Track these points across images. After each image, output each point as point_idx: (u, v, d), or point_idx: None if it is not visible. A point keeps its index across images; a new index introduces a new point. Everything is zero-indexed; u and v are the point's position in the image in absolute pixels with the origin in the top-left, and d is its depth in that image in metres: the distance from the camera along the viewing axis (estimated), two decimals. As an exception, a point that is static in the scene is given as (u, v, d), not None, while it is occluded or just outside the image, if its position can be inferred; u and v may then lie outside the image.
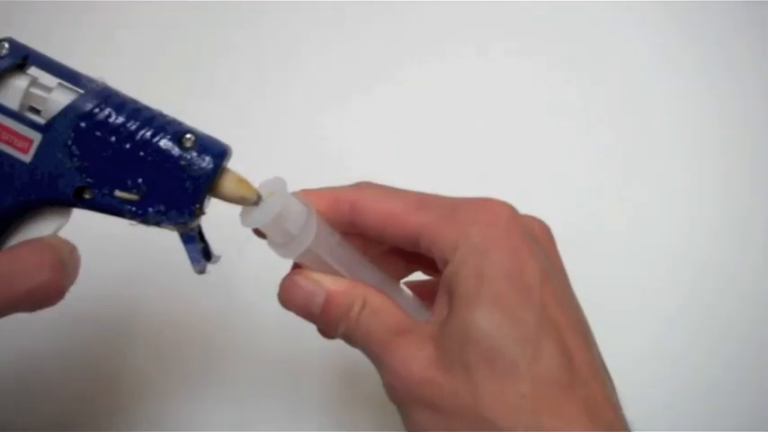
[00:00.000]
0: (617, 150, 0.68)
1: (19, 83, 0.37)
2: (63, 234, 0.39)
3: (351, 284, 0.40)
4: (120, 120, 0.37)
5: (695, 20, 0.72)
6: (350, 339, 0.40)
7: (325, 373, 0.58)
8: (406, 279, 0.45)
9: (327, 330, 0.41)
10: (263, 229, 0.39)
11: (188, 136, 0.38)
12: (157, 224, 0.39)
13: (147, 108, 0.38)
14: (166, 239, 0.41)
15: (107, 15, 0.72)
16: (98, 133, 0.37)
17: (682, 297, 0.63)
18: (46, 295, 0.37)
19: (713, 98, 0.70)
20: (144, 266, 0.60)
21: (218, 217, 0.40)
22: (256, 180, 0.40)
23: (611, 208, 0.66)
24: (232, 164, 0.39)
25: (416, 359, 0.37)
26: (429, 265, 0.41)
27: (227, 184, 0.39)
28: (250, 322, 0.59)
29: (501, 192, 0.41)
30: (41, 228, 0.39)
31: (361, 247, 0.42)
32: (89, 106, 0.37)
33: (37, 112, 0.38)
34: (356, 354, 0.40)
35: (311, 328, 0.42)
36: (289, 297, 0.41)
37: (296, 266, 0.42)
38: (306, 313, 0.41)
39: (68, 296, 0.38)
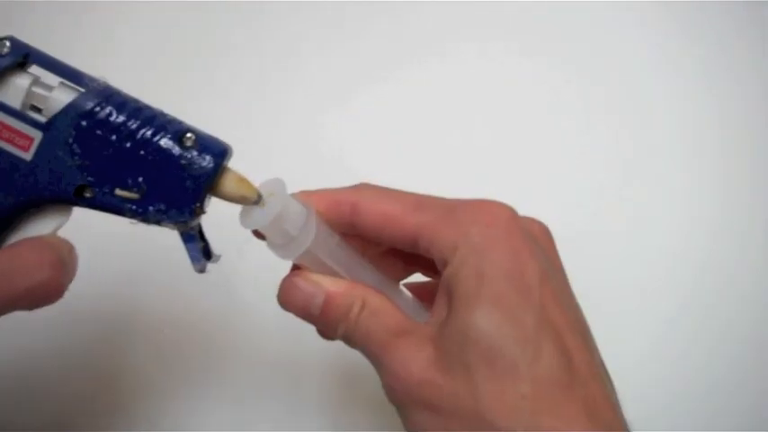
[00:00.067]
0: (617, 150, 0.68)
1: (21, 81, 0.37)
2: (63, 233, 0.39)
3: (350, 286, 0.40)
4: (121, 119, 0.37)
5: (695, 20, 0.72)
6: (349, 340, 0.40)
7: (324, 374, 0.58)
8: (405, 280, 0.45)
9: (327, 331, 0.41)
10: (263, 231, 0.39)
11: (188, 135, 0.38)
12: (158, 223, 0.39)
13: (147, 107, 0.38)
14: (166, 238, 0.41)
15: (107, 15, 0.72)
16: (99, 132, 0.37)
17: (682, 297, 0.63)
18: (45, 293, 0.37)
19: (713, 98, 0.70)
20: (144, 265, 0.60)
21: (218, 216, 0.40)
22: (256, 180, 0.40)
23: (611, 208, 0.66)
24: (232, 163, 0.39)
25: (416, 360, 0.37)
26: (428, 266, 0.41)
27: (227, 184, 0.39)
28: (250, 322, 0.59)
29: (501, 192, 0.41)
30: (42, 226, 0.39)
31: (361, 249, 0.42)
32: (90, 105, 0.37)
33: (38, 110, 0.38)
34: (356, 354, 0.40)
35: (311, 328, 0.42)
36: (288, 298, 0.41)
37: (295, 268, 0.42)
38: (305, 314, 0.41)
39: (68, 295, 0.38)
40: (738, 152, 0.68)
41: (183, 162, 0.38)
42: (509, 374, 0.35)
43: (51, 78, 0.38)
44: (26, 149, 0.37)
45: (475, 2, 0.73)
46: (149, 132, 0.38)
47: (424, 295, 0.44)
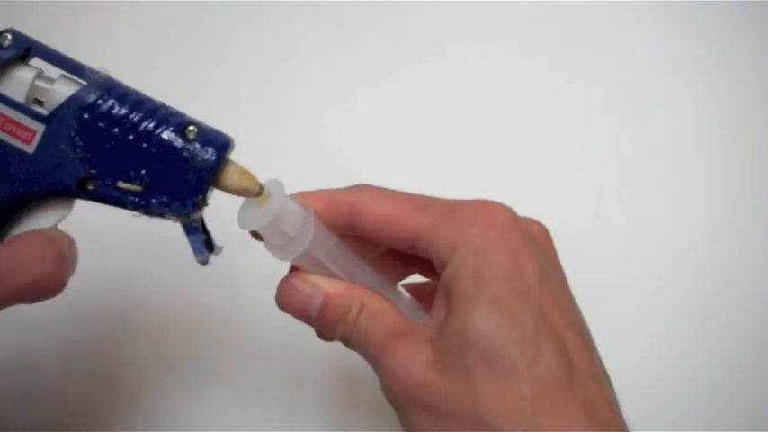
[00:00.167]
0: (617, 150, 0.68)
1: (25, 75, 0.38)
2: (64, 228, 0.39)
3: (348, 287, 0.40)
4: (123, 111, 0.38)
5: (695, 20, 0.72)
6: (348, 342, 0.40)
7: (324, 374, 0.58)
8: (403, 281, 0.45)
9: (325, 333, 0.41)
10: (261, 232, 0.39)
11: (191, 128, 0.38)
12: (160, 215, 0.39)
13: (149, 100, 0.38)
14: (167, 234, 0.41)
15: (107, 15, 0.72)
16: (101, 124, 0.37)
17: (682, 297, 0.63)
18: (46, 287, 0.38)
19: (713, 98, 0.70)
20: (144, 262, 0.60)
21: (220, 208, 0.40)
22: (256, 178, 0.40)
23: (611, 208, 0.66)
24: (233, 158, 0.39)
25: (415, 361, 0.37)
26: (427, 267, 0.41)
27: (229, 176, 0.39)
28: (250, 321, 0.59)
29: (501, 192, 0.41)
30: (44, 219, 0.39)
31: (359, 250, 0.42)
32: (92, 97, 0.37)
33: (40, 103, 0.38)
34: (355, 355, 0.40)
35: (311, 328, 0.42)
36: (286, 300, 0.41)
37: (293, 269, 0.42)
38: (303, 316, 0.41)
39: (68, 291, 0.38)
40: (738, 152, 0.68)
41: (185, 154, 0.38)
42: (508, 375, 0.35)
43: (52, 71, 0.38)
44: (28, 142, 0.37)
45: (475, 2, 0.73)
46: (152, 125, 0.38)
47: (423, 296, 0.44)
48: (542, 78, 0.71)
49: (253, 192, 0.39)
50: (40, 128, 0.37)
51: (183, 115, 0.39)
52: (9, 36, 0.37)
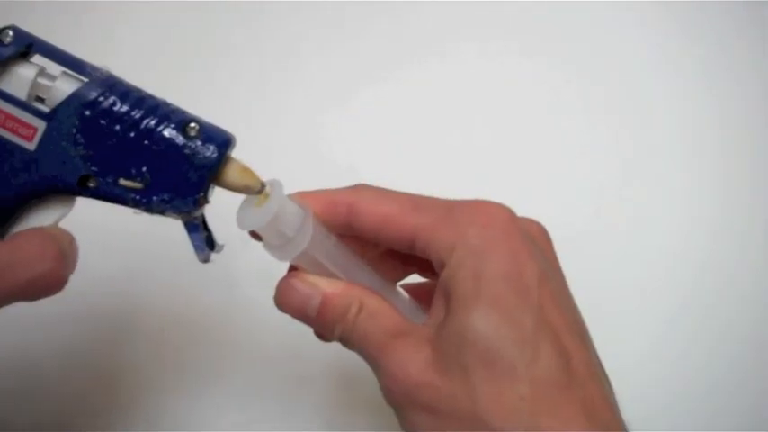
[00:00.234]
0: (617, 150, 0.68)
1: (27, 72, 0.37)
2: (64, 227, 0.39)
3: (347, 287, 0.40)
4: (125, 108, 0.37)
5: (695, 20, 0.72)
6: (346, 342, 0.40)
7: (323, 375, 0.58)
8: (402, 281, 0.45)
9: (324, 333, 0.41)
10: (260, 232, 0.39)
11: (192, 125, 0.38)
12: (161, 213, 0.39)
13: (151, 97, 0.38)
14: (167, 234, 0.41)
15: (107, 15, 0.72)
16: (102, 122, 0.37)
17: (682, 297, 0.63)
18: (47, 285, 0.38)
19: (713, 98, 0.70)
20: (144, 262, 0.60)
21: (221, 206, 0.40)
22: (256, 176, 0.40)
23: (611, 208, 0.66)
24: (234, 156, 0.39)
25: (413, 362, 0.37)
26: (425, 267, 0.41)
27: (231, 173, 0.39)
28: (250, 321, 0.59)
29: (501, 192, 0.41)
30: (45, 217, 0.39)
31: (358, 250, 0.42)
32: (94, 95, 0.37)
33: (41, 100, 0.38)
34: (354, 355, 0.40)
35: (310, 329, 0.42)
36: (285, 300, 0.41)
37: (292, 269, 0.42)
38: (302, 316, 0.41)
39: (68, 291, 0.38)
40: (738, 152, 0.68)
41: (186, 152, 0.38)
42: (507, 376, 0.35)
43: (54, 68, 0.38)
44: (30, 139, 0.37)
45: (475, 2, 0.73)
46: (153, 122, 0.38)
47: (422, 296, 0.44)
48: (542, 78, 0.71)
49: (254, 189, 0.39)
50: (41, 125, 0.37)
51: (184, 112, 0.38)
52: (10, 33, 0.37)
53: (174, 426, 0.56)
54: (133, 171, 0.38)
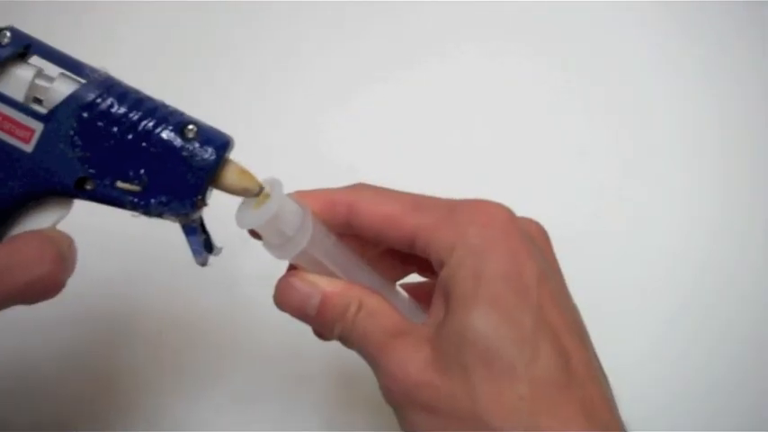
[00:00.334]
0: (617, 150, 0.68)
1: (24, 73, 0.37)
2: (62, 230, 0.39)
3: (346, 286, 0.40)
4: (123, 110, 0.37)
5: (695, 20, 0.72)
6: (346, 341, 0.40)
7: (322, 375, 0.58)
8: (401, 281, 0.45)
9: (323, 332, 0.41)
10: (259, 230, 0.39)
11: (190, 127, 0.38)
12: (159, 215, 0.39)
13: (149, 98, 0.38)
14: (166, 236, 0.41)
15: (107, 15, 0.72)
16: (100, 123, 0.37)
17: (682, 297, 0.63)
18: (45, 288, 0.37)
19: (713, 98, 0.70)
20: (143, 264, 0.60)
21: (219, 208, 0.40)
22: (255, 177, 0.40)
23: (611, 208, 0.66)
24: (233, 159, 0.39)
25: (413, 361, 0.37)
26: (425, 266, 0.41)
27: (229, 176, 0.39)
28: (249, 322, 0.59)
29: (501, 192, 0.41)
30: (42, 219, 0.39)
31: (357, 249, 0.42)
32: (91, 96, 0.37)
33: (39, 101, 0.38)
34: (353, 355, 0.40)
35: (309, 328, 0.42)
36: (284, 299, 0.41)
37: (291, 268, 0.42)
38: (301, 315, 0.41)
39: (66, 293, 0.38)
40: (738, 152, 0.68)
41: (184, 154, 0.38)
42: (506, 375, 0.35)
43: (52, 69, 0.38)
44: (27, 141, 0.37)
45: (475, 2, 0.73)
46: (151, 124, 0.37)
47: (421, 296, 0.44)
48: (542, 78, 0.71)
49: (252, 192, 0.39)
50: (38, 127, 0.37)
51: (182, 114, 0.38)
52: (8, 34, 0.37)
53: (174, 426, 0.56)
54: (131, 173, 0.38)
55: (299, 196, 0.40)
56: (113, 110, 0.37)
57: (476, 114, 0.69)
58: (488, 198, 0.39)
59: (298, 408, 0.58)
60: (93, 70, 0.38)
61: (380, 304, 0.39)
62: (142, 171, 0.38)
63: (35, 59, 0.38)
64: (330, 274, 0.41)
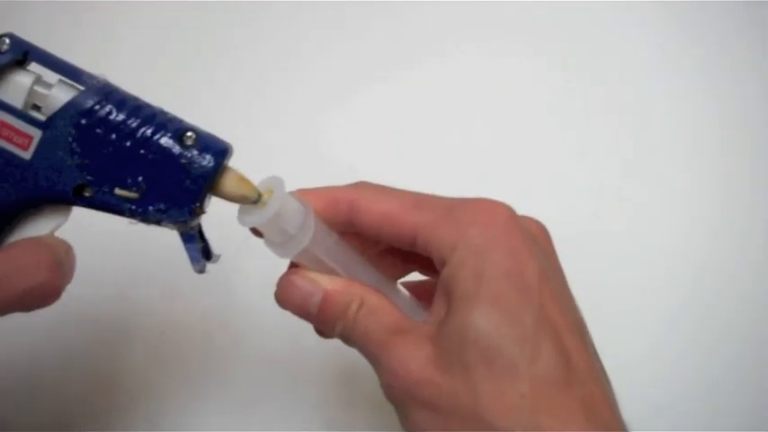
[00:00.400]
0: (617, 150, 0.68)
1: (23, 80, 0.37)
2: (62, 232, 0.39)
3: (348, 284, 0.40)
4: (121, 117, 0.37)
5: (695, 20, 0.72)
6: (347, 339, 0.40)
7: (323, 373, 0.58)
8: (402, 279, 0.45)
9: (324, 330, 0.41)
10: (261, 229, 0.39)
11: (189, 134, 0.38)
12: (158, 223, 0.38)
13: (148, 105, 0.38)
14: (166, 238, 0.41)
15: (107, 15, 0.72)
16: (99, 131, 0.37)
17: (682, 297, 0.63)
18: (43, 295, 0.37)
19: (713, 98, 0.70)
20: (143, 266, 0.60)
21: (218, 216, 0.40)
22: (255, 180, 0.39)
23: (611, 208, 0.66)
24: (232, 163, 0.39)
25: (414, 359, 0.37)
26: (426, 265, 0.41)
27: (227, 183, 0.38)
28: (249, 322, 0.59)
29: (501, 192, 0.41)
30: (40, 226, 0.39)
31: (359, 247, 0.42)
32: (90, 103, 0.37)
33: (37, 108, 0.37)
34: (354, 353, 0.40)
35: (309, 328, 0.42)
36: (286, 296, 0.41)
37: (293, 266, 0.42)
38: (303, 313, 0.41)
39: (67, 296, 0.38)
40: (738, 152, 0.68)
41: (183, 161, 0.37)
42: (508, 374, 0.35)
43: (50, 76, 0.38)
44: (25, 148, 0.37)
45: (475, 2, 0.73)
46: (149, 131, 0.37)
47: (422, 294, 0.44)
48: (542, 78, 0.71)
49: (251, 199, 0.39)
50: (37, 133, 0.37)
51: (181, 121, 0.38)
52: (7, 40, 0.37)
53: (175, 426, 0.57)
54: (129, 180, 0.37)
55: (301, 194, 0.40)
56: (112, 117, 0.37)
57: (476, 114, 0.69)
58: (488, 197, 0.39)
59: (298, 407, 0.58)
60: (91, 77, 0.38)
61: (382, 302, 0.40)
62: (140, 178, 0.37)
63: (34, 66, 0.38)
64: (331, 273, 0.41)
